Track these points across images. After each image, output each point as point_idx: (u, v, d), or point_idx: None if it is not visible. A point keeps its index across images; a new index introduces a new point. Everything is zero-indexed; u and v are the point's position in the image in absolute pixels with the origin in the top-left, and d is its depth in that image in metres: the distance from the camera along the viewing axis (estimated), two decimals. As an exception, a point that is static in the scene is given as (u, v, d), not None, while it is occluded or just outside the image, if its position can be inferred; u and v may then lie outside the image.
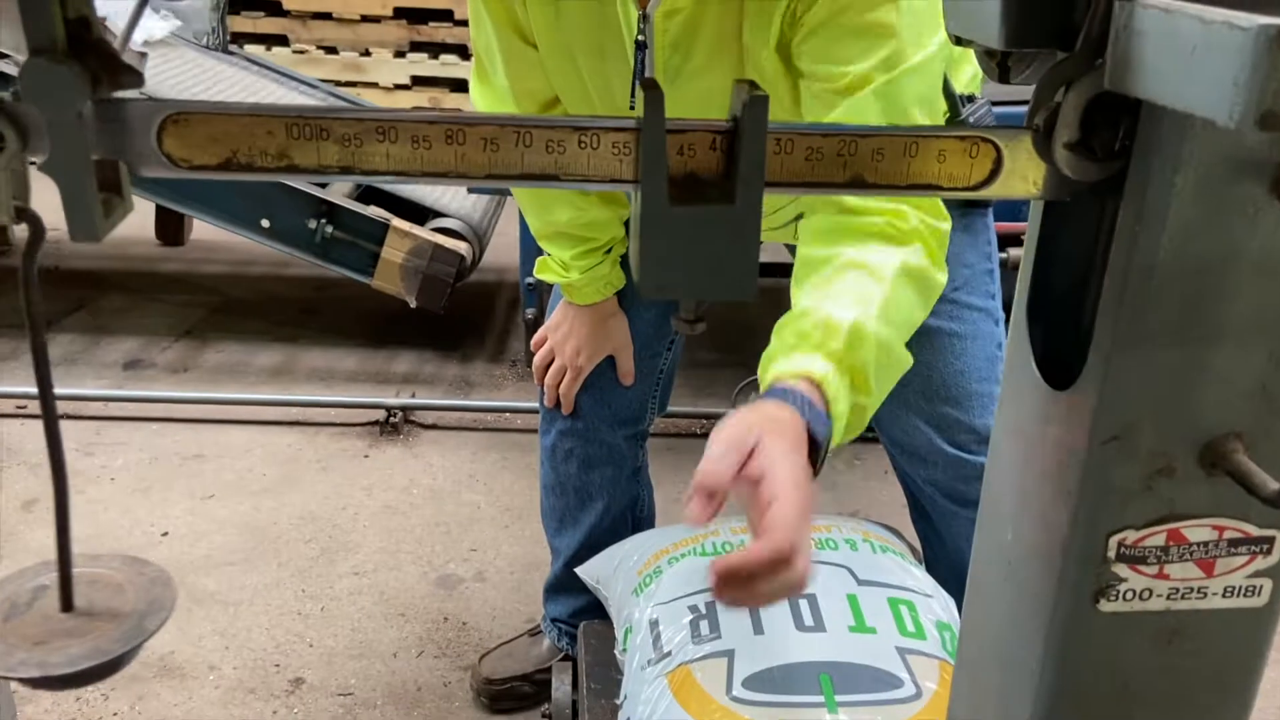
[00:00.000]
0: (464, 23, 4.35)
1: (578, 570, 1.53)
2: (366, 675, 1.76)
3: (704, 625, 1.21)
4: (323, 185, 2.67)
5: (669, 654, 1.20)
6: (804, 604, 1.20)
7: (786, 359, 0.86)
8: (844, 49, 0.97)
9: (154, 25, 2.77)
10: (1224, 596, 0.52)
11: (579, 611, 1.58)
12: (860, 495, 2.27)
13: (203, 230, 3.49)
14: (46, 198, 0.50)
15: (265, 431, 2.50)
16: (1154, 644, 0.53)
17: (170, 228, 3.66)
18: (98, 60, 0.47)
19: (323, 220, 2.58)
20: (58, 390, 0.56)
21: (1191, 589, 0.52)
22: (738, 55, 1.05)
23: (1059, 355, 0.52)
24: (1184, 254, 0.46)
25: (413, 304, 2.62)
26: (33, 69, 0.44)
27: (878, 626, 1.17)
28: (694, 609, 1.25)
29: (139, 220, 3.72)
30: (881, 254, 0.94)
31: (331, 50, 4.40)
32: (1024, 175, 0.49)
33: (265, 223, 2.61)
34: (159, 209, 3.52)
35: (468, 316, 3.09)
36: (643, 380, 1.47)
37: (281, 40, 4.34)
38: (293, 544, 2.10)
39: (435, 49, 4.41)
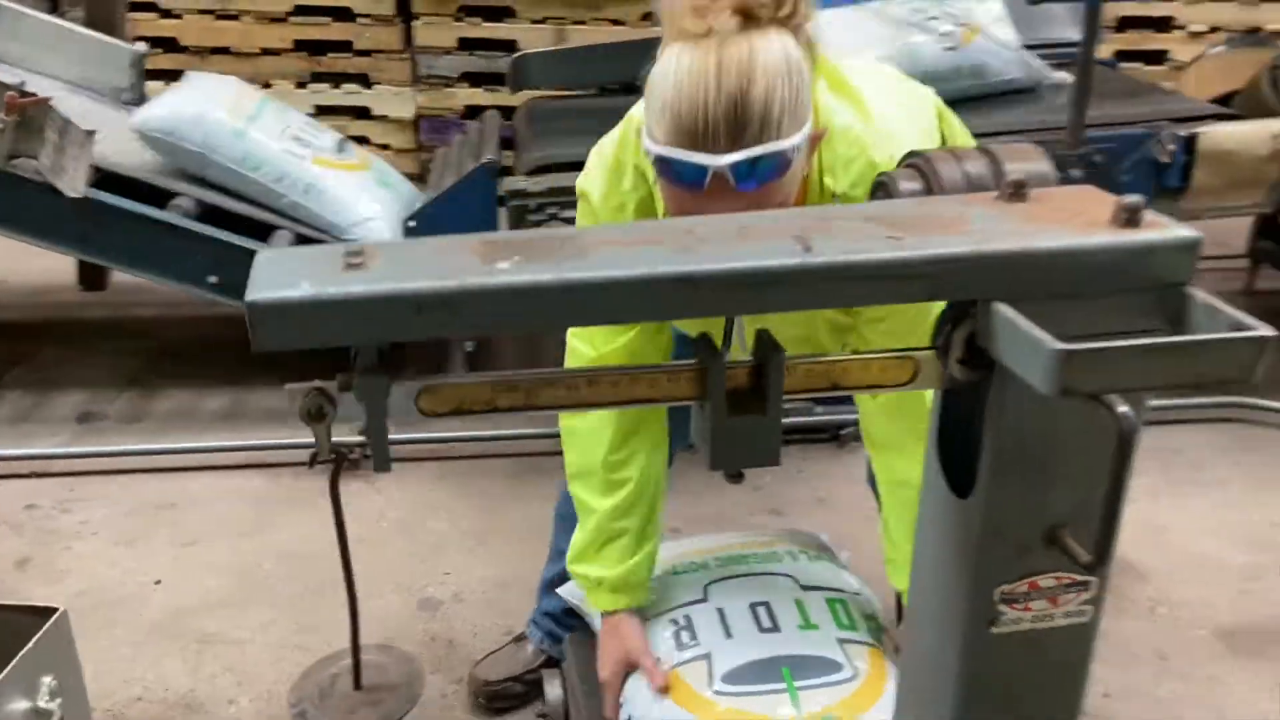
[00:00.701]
0: (364, 52, 4.52)
1: (560, 590, 1.81)
2: (372, 695, 2.00)
3: (684, 635, 1.51)
4: (265, 240, 2.85)
5: (659, 660, 1.50)
6: (762, 610, 1.52)
7: None
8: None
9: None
10: (1064, 617, 0.84)
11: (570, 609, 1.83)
12: (778, 495, 2.60)
13: (123, 274, 3.59)
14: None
15: (232, 476, 2.69)
16: (1024, 649, 0.85)
17: (93, 273, 3.74)
18: (395, 366, 0.72)
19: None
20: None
21: (1045, 615, 0.83)
22: None
23: (960, 478, 0.83)
24: (1026, 421, 0.78)
25: (359, 346, 2.82)
26: (367, 386, 0.69)
27: (820, 623, 1.50)
28: (675, 621, 1.55)
29: (57, 265, 3.79)
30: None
31: (232, 84, 4.49)
32: (931, 376, 0.79)
33: (213, 279, 2.78)
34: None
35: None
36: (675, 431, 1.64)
37: (179, 76, 4.41)
38: (281, 582, 2.32)
39: (336, 78, 4.55)
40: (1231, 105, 3.06)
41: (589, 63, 3.38)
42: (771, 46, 1.12)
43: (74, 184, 2.57)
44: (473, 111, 4.56)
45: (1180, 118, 2.78)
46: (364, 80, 4.55)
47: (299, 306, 0.62)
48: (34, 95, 2.56)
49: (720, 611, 1.51)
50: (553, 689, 1.82)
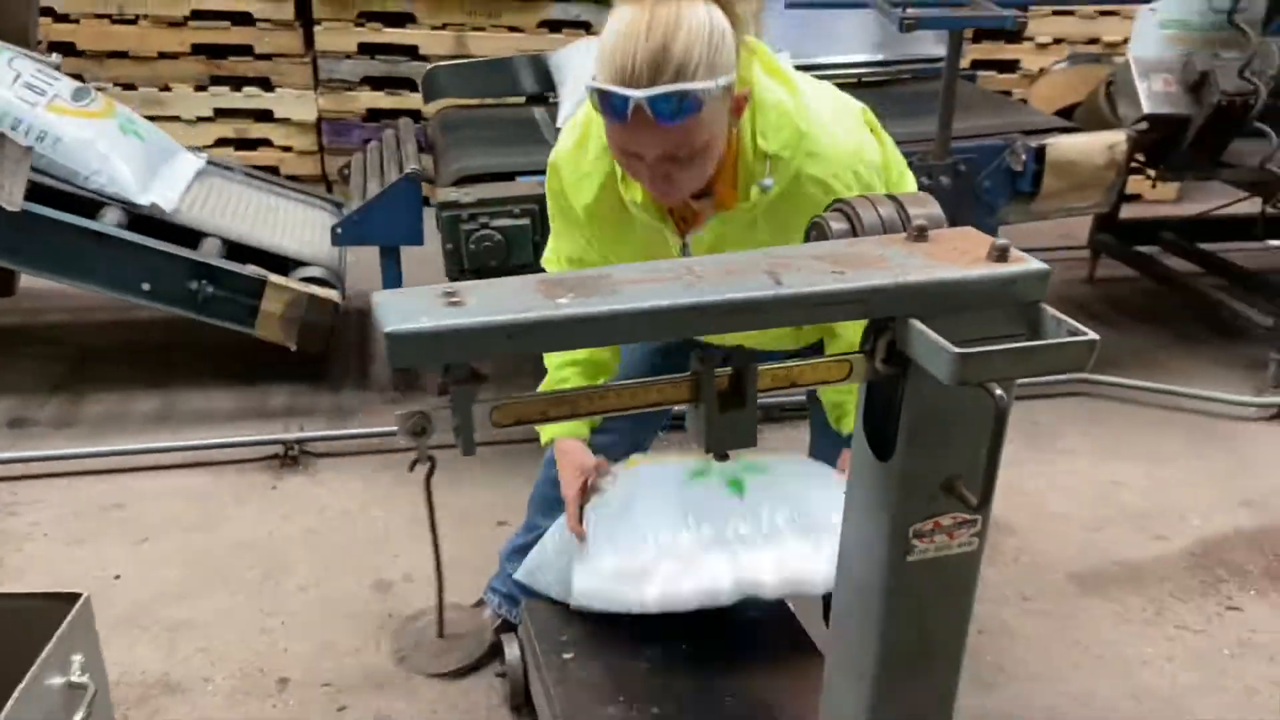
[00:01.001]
0: (265, 56, 4.60)
1: (517, 575, 2.04)
2: (340, 667, 2.20)
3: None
4: (195, 247, 2.98)
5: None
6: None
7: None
8: None
9: (190, 162, 3.10)
10: (958, 547, 1.13)
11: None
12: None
13: (30, 279, 3.62)
14: None
15: (175, 475, 2.82)
16: (930, 573, 1.13)
17: (1, 279, 3.75)
18: (475, 378, 0.94)
19: (203, 281, 2.89)
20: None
21: (945, 546, 1.12)
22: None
23: (881, 446, 1.11)
24: (931, 402, 1.05)
25: (293, 349, 2.99)
26: (460, 394, 0.92)
27: None
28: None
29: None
30: None
31: (130, 87, 4.52)
32: (861, 373, 1.06)
33: (146, 286, 2.90)
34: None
35: (328, 348, 3.45)
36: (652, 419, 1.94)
37: (78, 79, 4.41)
38: (236, 570, 2.47)
39: (237, 82, 4.61)
40: (1074, 117, 3.48)
41: (499, 74, 3.59)
42: (698, 12, 1.36)
43: (11, 197, 2.65)
44: (374, 115, 4.70)
45: (1030, 130, 3.17)
46: (265, 84, 4.62)
47: (424, 335, 0.84)
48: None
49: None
50: (511, 650, 2.05)
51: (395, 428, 0.95)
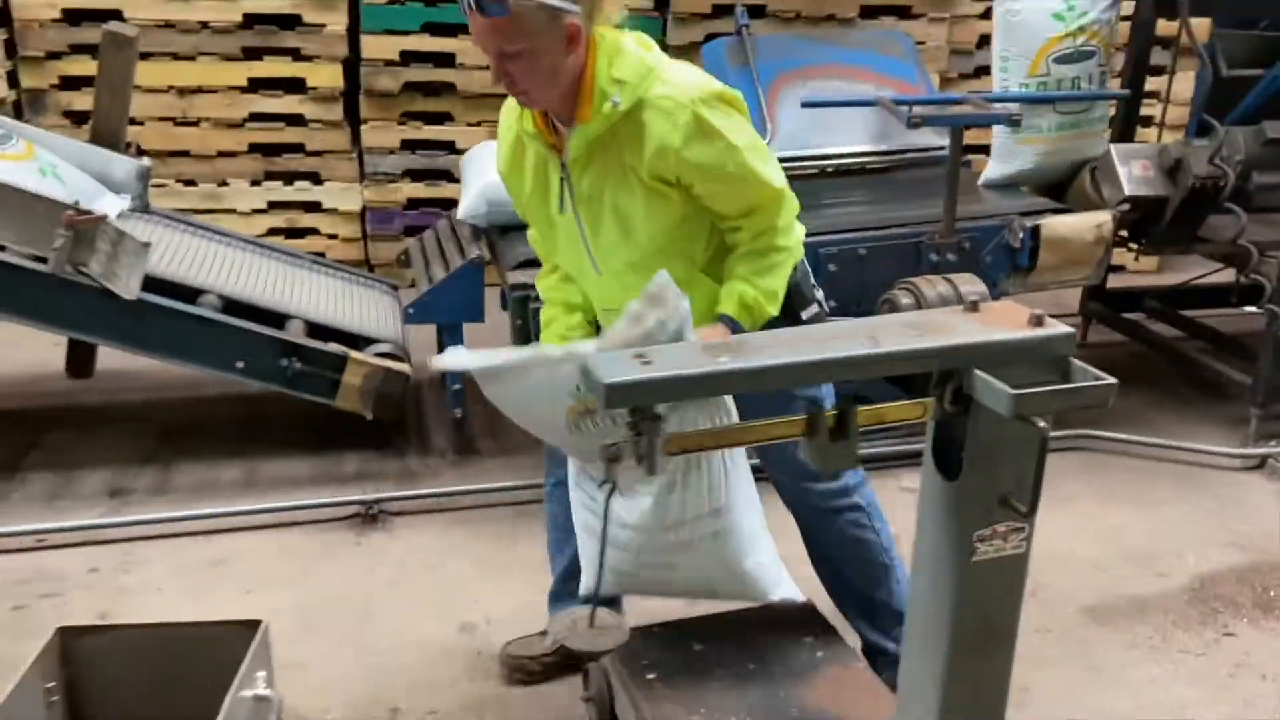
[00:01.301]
0: (315, 153, 4.98)
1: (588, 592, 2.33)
2: (442, 698, 2.47)
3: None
4: (281, 327, 3.30)
5: None
6: None
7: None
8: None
9: (114, 203, 3.30)
10: (1011, 549, 1.44)
11: None
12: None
13: (105, 361, 3.92)
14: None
15: (267, 534, 3.10)
16: (989, 571, 1.44)
17: (80, 362, 4.05)
18: (655, 417, 1.26)
19: (292, 358, 3.21)
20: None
21: (1000, 549, 1.43)
22: (622, 174, 1.93)
23: (947, 468, 1.43)
24: (990, 433, 1.38)
25: (369, 417, 3.30)
26: (648, 428, 1.24)
27: None
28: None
29: (36, 358, 4.11)
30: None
31: (190, 183, 4.89)
32: (933, 412, 1.39)
33: (240, 364, 3.21)
34: (72, 344, 3.93)
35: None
36: None
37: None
38: (334, 617, 2.75)
39: (289, 176, 4.99)
40: (1065, 199, 3.86)
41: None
42: None
43: (128, 287, 2.98)
44: (414, 203, 5.08)
45: (1026, 211, 3.54)
46: (314, 178, 5.00)
47: (634, 385, 1.16)
48: (89, 214, 2.97)
49: None
50: (596, 676, 2.33)
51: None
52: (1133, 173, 3.65)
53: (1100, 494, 3.42)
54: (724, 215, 1.98)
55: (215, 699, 1.73)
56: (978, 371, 1.30)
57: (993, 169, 3.86)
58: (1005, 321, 1.36)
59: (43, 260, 2.96)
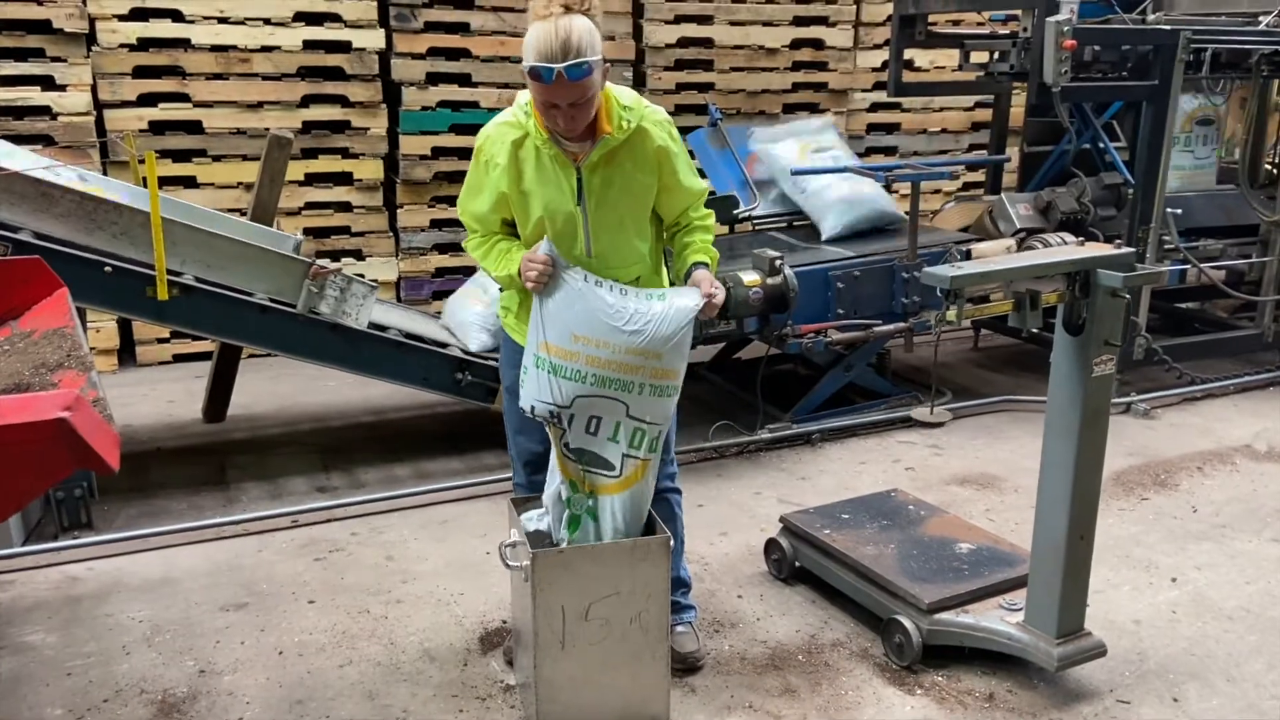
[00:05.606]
0: (359, 233, 5.86)
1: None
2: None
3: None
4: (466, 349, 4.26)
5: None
6: (594, 421, 2.52)
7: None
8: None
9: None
10: (1109, 369, 2.73)
11: None
12: (775, 481, 4.36)
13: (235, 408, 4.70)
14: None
15: (461, 505, 4.00)
16: (1099, 383, 2.72)
17: (217, 406, 4.76)
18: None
19: (465, 372, 4.17)
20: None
21: (1106, 368, 2.72)
22: (624, 174, 2.50)
23: (1073, 328, 2.70)
24: (1100, 304, 2.67)
25: (521, 415, 4.28)
26: (959, 305, 2.43)
27: (620, 440, 2.56)
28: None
29: (162, 409, 4.82)
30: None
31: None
32: (1069, 299, 2.67)
33: (425, 378, 4.14)
34: (210, 394, 4.66)
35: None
36: None
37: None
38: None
39: (336, 254, 5.84)
40: (969, 231, 5.35)
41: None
42: (582, 20, 2.28)
43: (359, 321, 3.89)
44: (440, 272, 6.05)
45: (959, 241, 4.99)
46: (358, 254, 5.90)
47: (962, 276, 2.37)
48: (327, 267, 3.87)
49: (572, 416, 2.52)
50: (783, 541, 3.45)
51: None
52: (1020, 212, 5.19)
53: (1029, 433, 4.83)
54: (676, 207, 2.64)
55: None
56: (1100, 270, 2.59)
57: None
58: (1100, 249, 2.67)
59: (289, 305, 3.84)
